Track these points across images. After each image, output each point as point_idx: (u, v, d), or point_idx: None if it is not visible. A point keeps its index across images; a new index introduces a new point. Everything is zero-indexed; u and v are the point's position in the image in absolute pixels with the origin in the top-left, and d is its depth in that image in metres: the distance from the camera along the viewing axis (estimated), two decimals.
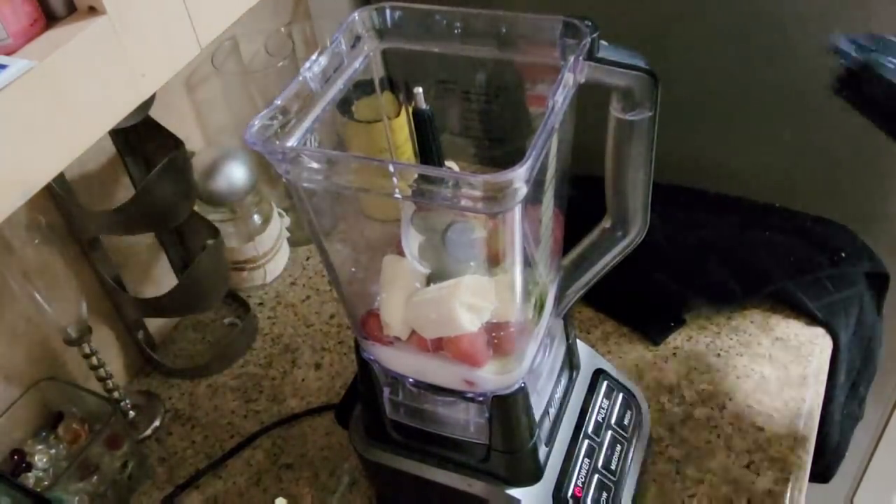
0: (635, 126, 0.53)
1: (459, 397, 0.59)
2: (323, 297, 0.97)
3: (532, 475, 0.62)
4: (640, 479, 0.71)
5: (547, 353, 0.64)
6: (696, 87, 0.90)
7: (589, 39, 0.49)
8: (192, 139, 0.91)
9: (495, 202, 0.44)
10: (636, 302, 0.88)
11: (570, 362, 0.69)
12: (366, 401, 0.65)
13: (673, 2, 0.86)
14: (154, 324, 0.91)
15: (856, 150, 0.89)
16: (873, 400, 1.03)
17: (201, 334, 0.95)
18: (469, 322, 0.53)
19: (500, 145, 0.81)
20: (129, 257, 0.86)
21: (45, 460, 0.76)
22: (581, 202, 0.61)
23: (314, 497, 0.77)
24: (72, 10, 0.44)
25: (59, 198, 0.74)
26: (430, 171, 0.46)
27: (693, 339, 0.86)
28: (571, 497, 0.63)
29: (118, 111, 0.47)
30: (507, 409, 0.58)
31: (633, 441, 0.71)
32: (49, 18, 0.44)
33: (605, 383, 0.71)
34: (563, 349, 0.67)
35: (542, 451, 0.63)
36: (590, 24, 0.50)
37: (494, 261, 0.53)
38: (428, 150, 0.56)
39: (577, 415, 0.68)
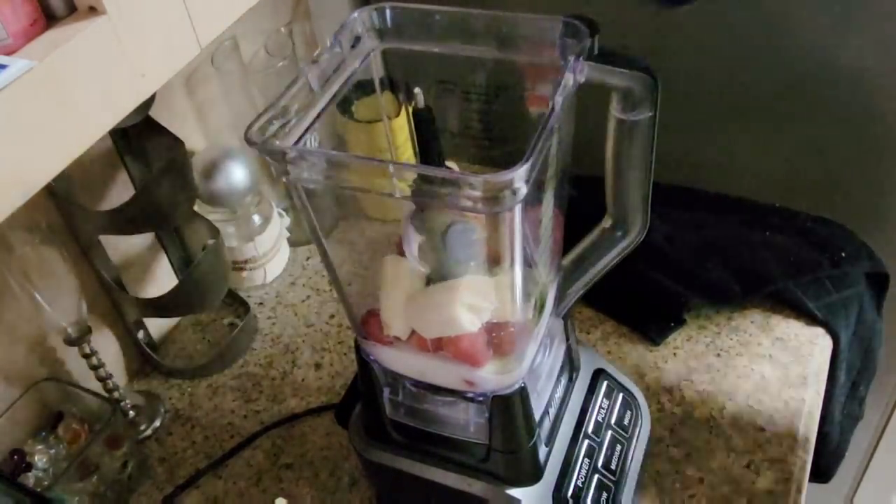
0: (635, 126, 0.53)
1: (459, 397, 0.59)
2: (323, 297, 0.97)
3: (532, 475, 0.62)
4: (640, 479, 0.71)
5: (547, 353, 0.64)
6: (696, 87, 0.90)
7: (589, 40, 0.49)
8: (192, 139, 0.91)
9: (495, 202, 0.44)
10: (636, 302, 0.88)
11: (570, 362, 0.69)
12: (366, 401, 0.65)
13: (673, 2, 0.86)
14: (154, 324, 0.91)
15: (856, 150, 0.89)
16: (873, 400, 1.03)
17: (201, 334, 0.95)
18: (469, 322, 0.53)
19: (500, 145, 0.81)
20: (129, 257, 0.86)
21: (44, 460, 0.76)
22: (581, 202, 0.61)
23: (314, 497, 0.77)
24: (72, 10, 0.44)
25: (59, 198, 0.74)
26: (430, 171, 0.46)
27: (693, 339, 0.86)
28: (571, 497, 0.63)
29: (118, 111, 0.47)
30: (507, 409, 0.58)
31: (633, 441, 0.71)
32: (49, 18, 0.44)
33: (605, 383, 0.71)
34: (562, 349, 0.67)
35: (542, 451, 0.63)
36: (590, 24, 0.50)
37: (494, 261, 0.53)
38: (428, 151, 0.56)
39: (577, 415, 0.68)
